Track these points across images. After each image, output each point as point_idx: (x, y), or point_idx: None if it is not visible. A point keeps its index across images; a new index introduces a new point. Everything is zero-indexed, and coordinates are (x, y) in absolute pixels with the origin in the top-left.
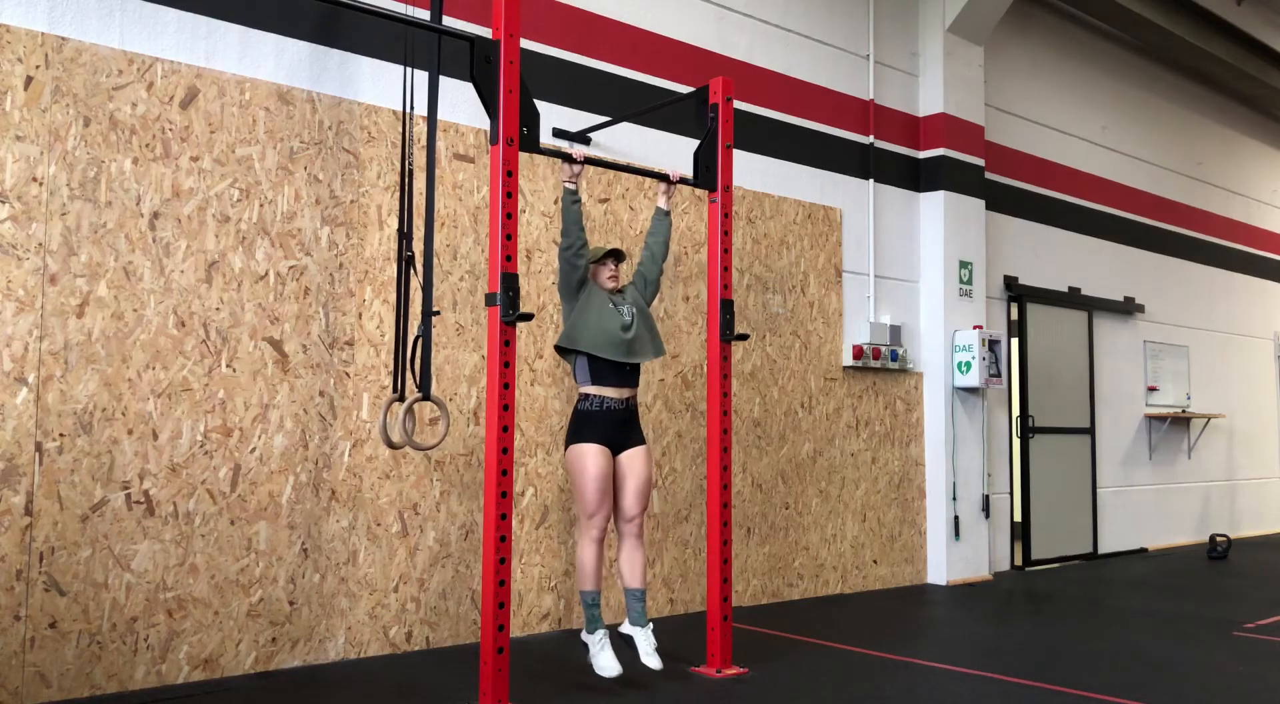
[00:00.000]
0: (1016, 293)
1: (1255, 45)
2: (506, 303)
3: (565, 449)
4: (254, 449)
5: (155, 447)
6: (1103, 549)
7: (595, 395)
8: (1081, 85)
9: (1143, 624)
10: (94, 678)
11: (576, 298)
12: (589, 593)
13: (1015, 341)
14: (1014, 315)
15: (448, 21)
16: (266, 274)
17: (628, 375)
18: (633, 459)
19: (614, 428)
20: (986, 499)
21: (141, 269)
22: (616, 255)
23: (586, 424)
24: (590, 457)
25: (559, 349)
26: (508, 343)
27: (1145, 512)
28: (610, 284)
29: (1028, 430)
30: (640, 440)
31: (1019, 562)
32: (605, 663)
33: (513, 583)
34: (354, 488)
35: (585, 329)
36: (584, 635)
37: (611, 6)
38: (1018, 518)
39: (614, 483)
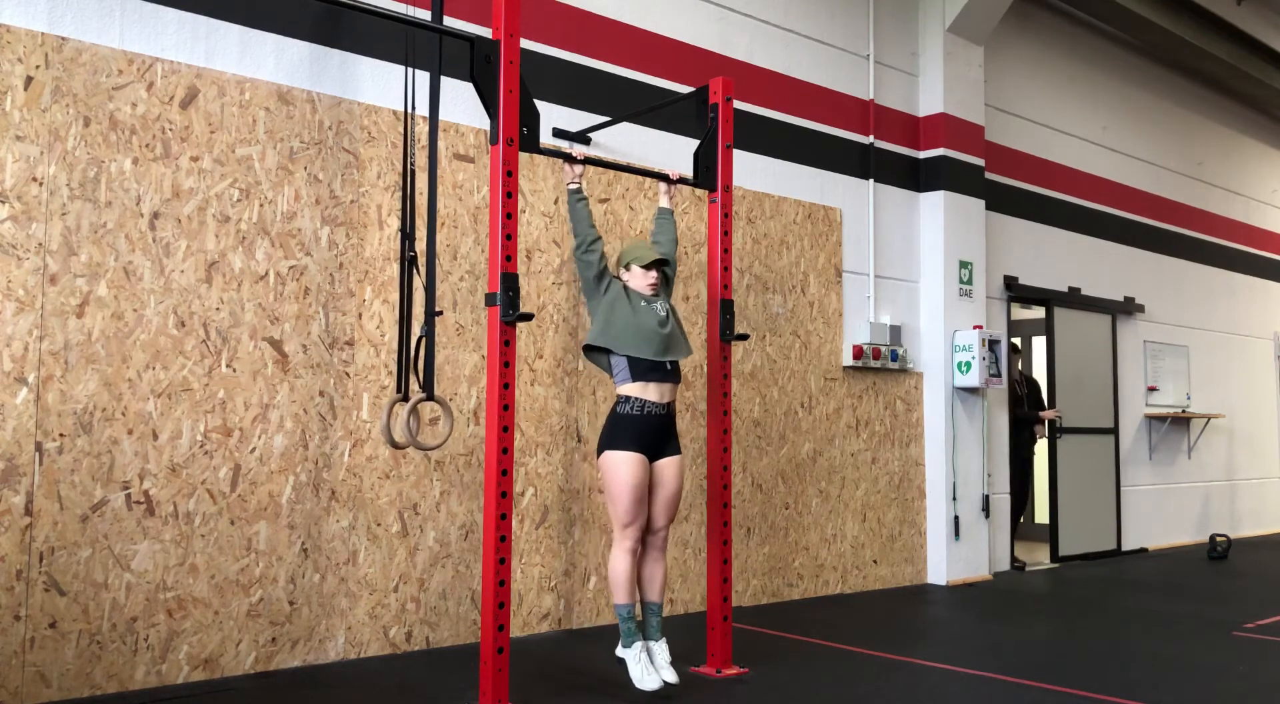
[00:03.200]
0: (1043, 297)
1: (1255, 45)
2: (506, 303)
3: (599, 453)
4: (254, 449)
5: (155, 447)
6: (1105, 548)
7: (636, 398)
8: (1081, 85)
9: (1143, 624)
10: (94, 678)
11: (600, 294)
12: (624, 606)
13: (1044, 343)
14: (1013, 317)
15: (448, 21)
16: (266, 274)
17: (669, 373)
18: (667, 469)
19: (652, 434)
20: (986, 499)
21: (141, 269)
22: (661, 264)
23: (624, 430)
24: (628, 465)
25: (589, 349)
26: (508, 343)
27: (1145, 512)
28: (650, 291)
29: (1055, 431)
30: (676, 449)
31: (1050, 558)
32: (645, 678)
33: (513, 583)
34: (354, 488)
35: (621, 328)
36: (620, 650)
37: (611, 6)
38: (1042, 518)
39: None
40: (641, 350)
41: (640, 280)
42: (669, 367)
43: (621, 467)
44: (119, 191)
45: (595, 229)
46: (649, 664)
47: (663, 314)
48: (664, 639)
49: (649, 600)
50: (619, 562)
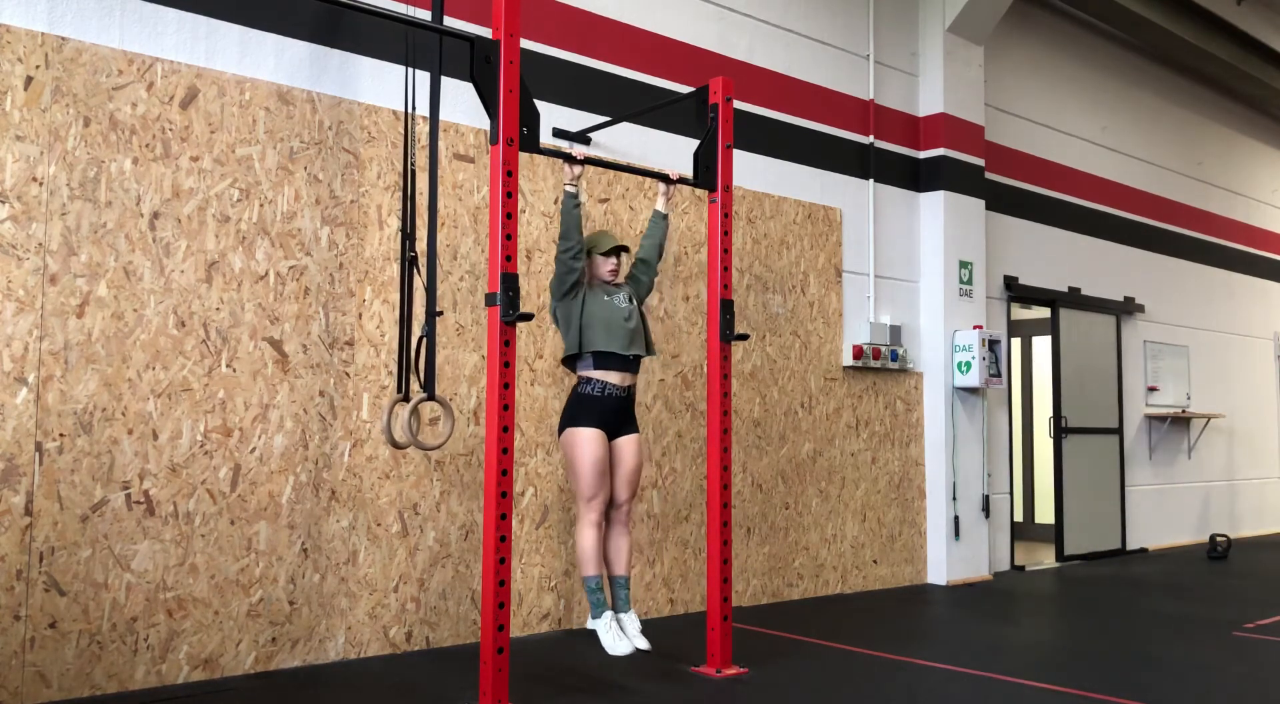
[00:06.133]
0: (1048, 298)
1: (1255, 45)
2: (506, 303)
3: (560, 431)
4: (254, 449)
5: (155, 446)
6: (1103, 548)
7: (598, 380)
8: (1081, 85)
9: (1143, 624)
10: (94, 678)
11: (570, 298)
12: (592, 578)
13: (1049, 343)
14: (1013, 317)
15: (448, 21)
16: (266, 274)
17: (631, 363)
18: (626, 446)
19: (611, 414)
20: (986, 499)
21: (141, 269)
22: (620, 251)
23: (585, 408)
24: (589, 441)
25: (568, 359)
26: (508, 343)
27: (1145, 512)
28: (610, 278)
29: (1061, 431)
30: (634, 428)
31: (1055, 558)
32: (617, 644)
33: (513, 583)
34: (354, 488)
35: (587, 326)
36: (590, 622)
37: (612, 6)
38: (1048, 519)
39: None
40: (609, 344)
41: (601, 267)
42: (631, 358)
43: (584, 443)
44: (119, 191)
45: (584, 237)
46: (619, 632)
47: (625, 307)
48: (633, 610)
49: (616, 574)
50: (585, 535)
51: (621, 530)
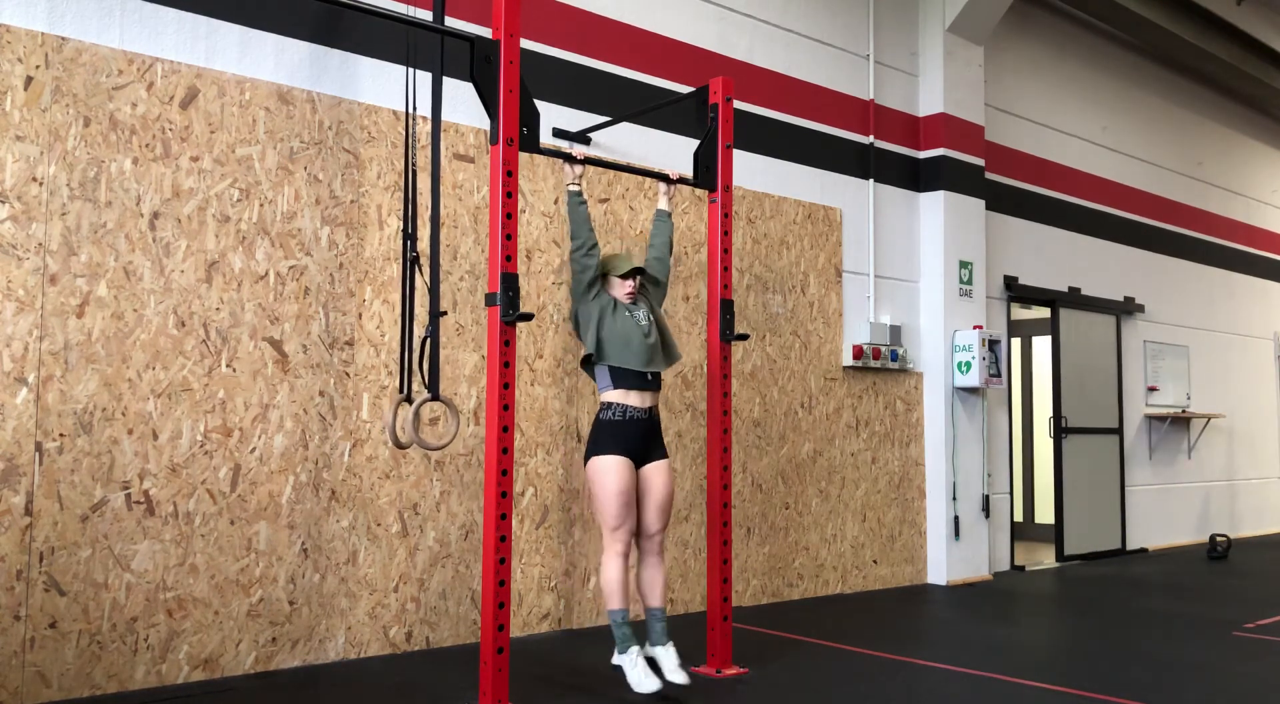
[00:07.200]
0: (1048, 298)
1: (1255, 45)
2: (506, 303)
3: (586, 461)
4: (254, 449)
5: (155, 447)
6: (1103, 548)
7: (618, 404)
8: (1081, 85)
9: (1143, 624)
10: (94, 678)
11: (589, 299)
12: (618, 611)
13: (1049, 343)
14: (1013, 317)
15: (448, 21)
16: (266, 274)
17: (649, 382)
18: (655, 474)
19: (637, 439)
20: (986, 499)
21: (141, 269)
22: (637, 273)
23: (609, 435)
24: (614, 470)
25: (586, 362)
26: (508, 343)
27: (1145, 511)
28: (628, 299)
29: (1061, 431)
30: (663, 454)
31: (1055, 558)
32: (644, 681)
33: (513, 583)
34: (354, 488)
35: (609, 338)
36: (616, 658)
37: (611, 6)
38: (1048, 519)
39: (636, 497)
40: (626, 360)
41: (619, 289)
42: (649, 377)
43: (607, 472)
44: (119, 191)
45: (594, 233)
46: (646, 668)
47: (645, 323)
48: (671, 643)
49: (651, 606)
50: (611, 567)
51: (655, 561)
